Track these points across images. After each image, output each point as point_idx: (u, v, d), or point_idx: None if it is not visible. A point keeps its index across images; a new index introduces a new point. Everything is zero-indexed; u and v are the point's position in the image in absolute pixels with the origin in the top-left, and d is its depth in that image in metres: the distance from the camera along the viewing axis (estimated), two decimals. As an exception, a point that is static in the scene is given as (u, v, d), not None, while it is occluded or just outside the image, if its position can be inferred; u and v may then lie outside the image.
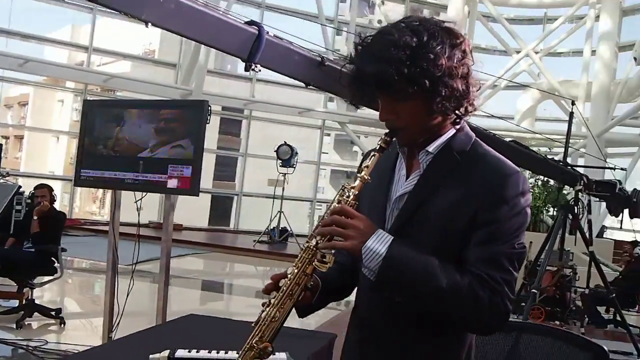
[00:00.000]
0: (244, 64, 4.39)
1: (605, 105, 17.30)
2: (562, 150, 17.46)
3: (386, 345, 1.55)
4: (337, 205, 1.48)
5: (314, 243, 1.45)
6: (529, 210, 1.50)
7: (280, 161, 14.18)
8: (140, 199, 4.54)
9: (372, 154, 1.53)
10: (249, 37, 4.29)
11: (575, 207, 6.81)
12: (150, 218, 14.21)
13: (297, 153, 14.20)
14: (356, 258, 1.46)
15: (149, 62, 20.29)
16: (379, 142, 1.53)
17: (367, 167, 1.51)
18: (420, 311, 1.49)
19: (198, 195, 4.33)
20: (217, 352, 2.15)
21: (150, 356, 2.14)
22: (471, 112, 1.53)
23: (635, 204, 7.54)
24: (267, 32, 4.37)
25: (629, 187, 8.56)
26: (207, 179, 18.83)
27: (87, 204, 25.02)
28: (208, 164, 21.39)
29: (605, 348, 2.17)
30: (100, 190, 23.06)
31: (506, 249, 1.46)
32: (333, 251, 1.44)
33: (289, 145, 14.11)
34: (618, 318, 7.40)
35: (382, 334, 1.56)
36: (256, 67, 4.44)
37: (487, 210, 1.45)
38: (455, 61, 1.44)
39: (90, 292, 8.82)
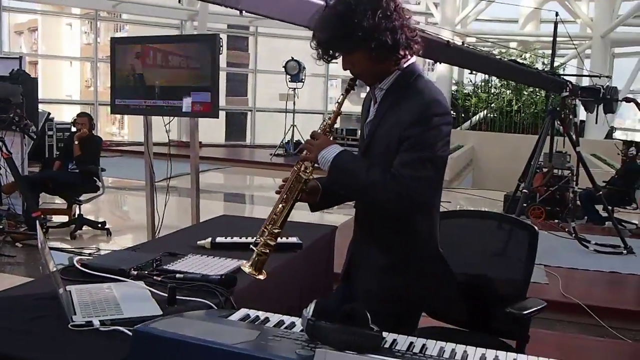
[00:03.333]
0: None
1: (609, 5, 17.26)
2: (567, 51, 17.68)
3: (362, 228, 2.24)
4: (313, 131, 2.14)
5: (301, 161, 2.12)
6: (444, 128, 2.02)
7: (289, 76, 14.63)
8: (169, 123, 5.25)
9: (341, 94, 2.18)
10: (320, 9, 4.71)
11: (562, 112, 7.32)
12: (172, 137, 14.91)
13: (304, 67, 14.55)
14: None
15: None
16: (347, 85, 2.15)
17: (338, 102, 2.18)
18: (359, 199, 2.16)
19: (218, 117, 5.03)
20: (247, 238, 2.89)
21: (198, 242, 2.92)
22: (408, 55, 2.07)
23: (608, 100, 7.88)
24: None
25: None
26: (220, 97, 19.29)
27: (107, 126, 25.69)
28: (220, 81, 21.73)
29: (536, 228, 2.82)
30: (118, 112, 23.71)
31: (418, 154, 1.96)
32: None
33: (296, 61, 14.43)
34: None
35: (360, 221, 2.25)
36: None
37: (408, 128, 1.98)
38: (377, 20, 1.94)
39: (128, 206, 9.70)
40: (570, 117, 7.41)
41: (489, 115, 18.62)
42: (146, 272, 2.34)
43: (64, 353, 1.67)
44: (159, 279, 2.27)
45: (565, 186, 8.63)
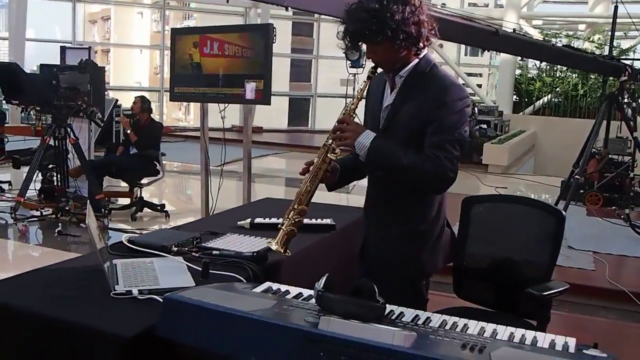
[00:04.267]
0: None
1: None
2: (638, 33, 17.16)
3: (377, 203, 2.45)
4: (341, 116, 2.34)
5: (330, 142, 2.32)
6: (467, 110, 2.24)
7: (350, 62, 14.72)
8: (224, 109, 5.49)
9: (363, 81, 2.38)
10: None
11: (620, 97, 7.18)
12: (233, 122, 15.31)
13: (365, 53, 14.63)
14: None
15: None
16: (369, 73, 2.36)
17: (361, 89, 2.37)
18: (397, 180, 2.32)
19: (270, 104, 5.22)
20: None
21: (238, 222, 3.12)
22: (427, 46, 2.28)
23: None
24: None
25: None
26: (283, 82, 19.55)
27: (174, 112, 26.40)
28: (284, 67, 22.11)
29: (564, 213, 2.89)
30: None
31: (447, 137, 2.19)
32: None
33: (356, 46, 14.57)
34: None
35: (375, 196, 2.46)
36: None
37: (433, 111, 2.21)
38: (406, 15, 2.16)
39: (186, 190, 10.07)
40: (629, 101, 7.23)
41: (553, 99, 18.24)
42: (186, 248, 2.55)
43: (102, 317, 1.88)
44: (197, 255, 2.48)
45: (622, 172, 8.48)
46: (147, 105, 7.26)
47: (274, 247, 2.28)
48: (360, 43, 2.28)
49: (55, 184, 6.87)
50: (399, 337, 1.53)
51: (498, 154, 12.07)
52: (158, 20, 27.25)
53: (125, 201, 7.34)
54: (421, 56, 2.30)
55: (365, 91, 2.40)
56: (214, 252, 2.51)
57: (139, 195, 7.09)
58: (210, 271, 2.25)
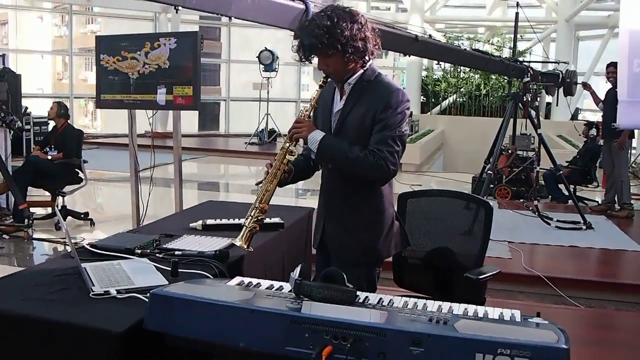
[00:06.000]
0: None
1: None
2: (534, 35, 18.15)
3: (334, 197, 2.66)
4: (297, 117, 2.57)
5: (287, 145, 2.54)
6: (407, 112, 2.52)
7: (263, 66, 14.85)
8: (153, 116, 5.54)
9: (316, 89, 2.61)
10: (300, 12, 4.90)
11: (524, 97, 7.68)
12: (145, 129, 15.10)
13: (278, 57, 14.80)
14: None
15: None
16: (320, 82, 2.61)
17: (314, 97, 2.60)
18: (344, 172, 2.55)
19: (199, 110, 5.31)
20: (234, 220, 3.23)
21: (190, 224, 3.24)
22: (372, 59, 2.54)
23: (568, 84, 8.30)
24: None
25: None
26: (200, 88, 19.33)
27: (80, 118, 25.67)
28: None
29: (492, 204, 3.17)
30: (91, 104, 23.70)
31: (389, 133, 2.46)
32: (296, 146, 2.54)
33: (269, 51, 14.61)
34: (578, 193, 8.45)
35: (332, 191, 2.68)
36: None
37: (380, 113, 2.48)
38: (354, 31, 2.43)
39: (108, 197, 9.90)
40: (531, 100, 7.74)
41: (458, 99, 19.05)
42: (149, 250, 2.66)
43: (91, 316, 1.98)
44: (161, 256, 2.60)
45: (529, 167, 9.02)
46: (64, 111, 7.18)
47: (237, 243, 2.45)
48: (312, 55, 2.51)
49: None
50: (375, 316, 1.73)
51: (410, 152, 12.46)
52: (59, 25, 26.43)
53: (47, 210, 7.20)
54: (366, 67, 2.57)
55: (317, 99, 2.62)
56: (177, 252, 2.64)
57: (61, 204, 6.97)
58: (179, 270, 2.37)
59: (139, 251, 2.62)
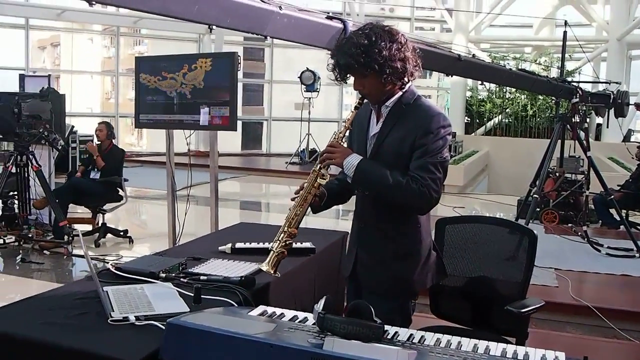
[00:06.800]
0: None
1: (625, 7, 17.21)
2: (583, 55, 17.77)
3: (368, 224, 2.52)
4: (330, 141, 2.45)
5: (318, 168, 2.42)
6: (448, 137, 2.38)
7: (304, 86, 14.86)
8: (190, 135, 5.51)
9: (351, 110, 2.48)
10: (338, 31, 4.70)
11: (572, 118, 7.42)
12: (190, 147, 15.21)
13: (319, 77, 14.76)
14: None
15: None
16: (355, 103, 2.47)
17: (348, 119, 2.47)
18: (382, 199, 2.42)
19: (236, 130, 5.26)
20: (264, 244, 3.13)
21: (219, 248, 3.15)
22: (411, 80, 2.42)
23: (619, 104, 7.99)
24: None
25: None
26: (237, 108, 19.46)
27: (127, 136, 26.08)
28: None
29: (535, 232, 2.95)
30: (136, 123, 24.04)
31: (431, 160, 2.33)
32: (328, 170, 2.42)
33: (311, 71, 14.62)
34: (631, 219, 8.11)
35: (366, 217, 2.53)
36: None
37: (420, 138, 2.34)
38: (393, 51, 2.31)
39: (148, 215, 9.98)
40: (580, 121, 7.48)
41: (503, 120, 18.73)
42: (173, 274, 2.58)
43: (106, 343, 1.90)
44: (185, 280, 2.51)
45: (577, 190, 8.72)
46: (112, 132, 7.28)
47: (264, 268, 2.35)
48: (348, 75, 2.40)
49: (16, 211, 6.78)
50: (402, 356, 1.60)
51: (454, 174, 12.26)
52: (108, 46, 27.00)
53: (87, 227, 7.23)
54: (405, 89, 2.43)
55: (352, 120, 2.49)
56: (202, 277, 2.55)
57: (101, 222, 7.00)
58: (202, 296, 2.28)
59: (164, 275, 2.54)
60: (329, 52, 2.43)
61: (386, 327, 1.91)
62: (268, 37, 4.46)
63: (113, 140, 7.29)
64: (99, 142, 7.21)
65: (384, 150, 2.42)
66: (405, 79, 2.40)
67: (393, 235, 2.47)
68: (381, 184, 2.34)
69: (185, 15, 3.59)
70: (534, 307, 2.76)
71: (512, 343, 2.77)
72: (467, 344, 1.86)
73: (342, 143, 2.46)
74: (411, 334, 1.92)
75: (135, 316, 2.07)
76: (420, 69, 2.44)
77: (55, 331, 1.97)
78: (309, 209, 2.49)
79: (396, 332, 1.93)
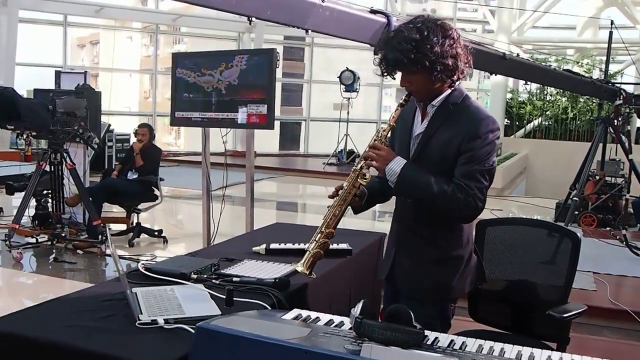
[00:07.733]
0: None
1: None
2: (626, 57, 17.37)
3: (408, 226, 2.41)
4: (372, 142, 2.32)
5: (359, 166, 2.31)
6: (496, 142, 2.26)
7: (344, 86, 14.76)
8: (226, 134, 5.45)
9: (396, 107, 2.36)
10: (381, 26, 4.58)
11: (615, 120, 7.23)
12: (227, 147, 15.22)
13: (359, 78, 14.66)
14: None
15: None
16: (401, 100, 2.35)
17: (393, 116, 2.34)
18: (425, 207, 2.30)
19: (273, 129, 5.19)
20: (299, 244, 3.05)
21: (253, 248, 3.07)
22: (461, 79, 2.29)
23: None
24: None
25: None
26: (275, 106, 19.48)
27: (164, 136, 26.29)
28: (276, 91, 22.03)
29: (579, 234, 2.87)
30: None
31: (478, 167, 2.22)
32: (370, 170, 2.30)
33: (351, 71, 14.52)
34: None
35: (406, 220, 2.43)
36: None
37: (467, 142, 2.22)
38: (445, 47, 2.18)
39: (183, 215, 9.98)
40: (622, 124, 7.29)
41: (543, 122, 18.37)
42: (205, 275, 2.50)
43: (133, 348, 1.83)
44: (217, 282, 2.44)
45: (617, 194, 8.53)
46: (153, 134, 7.25)
47: (299, 269, 2.27)
48: (395, 71, 2.28)
49: (49, 210, 6.78)
50: (444, 364, 1.50)
51: (492, 176, 12.04)
52: (147, 44, 27.26)
53: (121, 227, 7.23)
54: (454, 87, 2.32)
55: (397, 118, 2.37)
56: (234, 278, 2.47)
57: (136, 221, 7.00)
58: (234, 299, 2.20)
59: (195, 276, 2.46)
60: (376, 46, 2.31)
61: (426, 332, 1.81)
62: (308, 35, 4.36)
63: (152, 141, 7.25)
64: (141, 145, 7.16)
65: (429, 152, 2.31)
66: (455, 77, 2.27)
67: (434, 239, 2.37)
68: (425, 193, 2.24)
69: (224, 6, 3.52)
70: (576, 311, 2.66)
71: (552, 348, 2.67)
72: (511, 350, 1.76)
73: (384, 143, 2.33)
74: (452, 340, 1.82)
75: (164, 319, 1.99)
76: (471, 66, 2.32)
77: (80, 334, 1.90)
78: (349, 209, 2.39)
79: (436, 338, 1.82)
